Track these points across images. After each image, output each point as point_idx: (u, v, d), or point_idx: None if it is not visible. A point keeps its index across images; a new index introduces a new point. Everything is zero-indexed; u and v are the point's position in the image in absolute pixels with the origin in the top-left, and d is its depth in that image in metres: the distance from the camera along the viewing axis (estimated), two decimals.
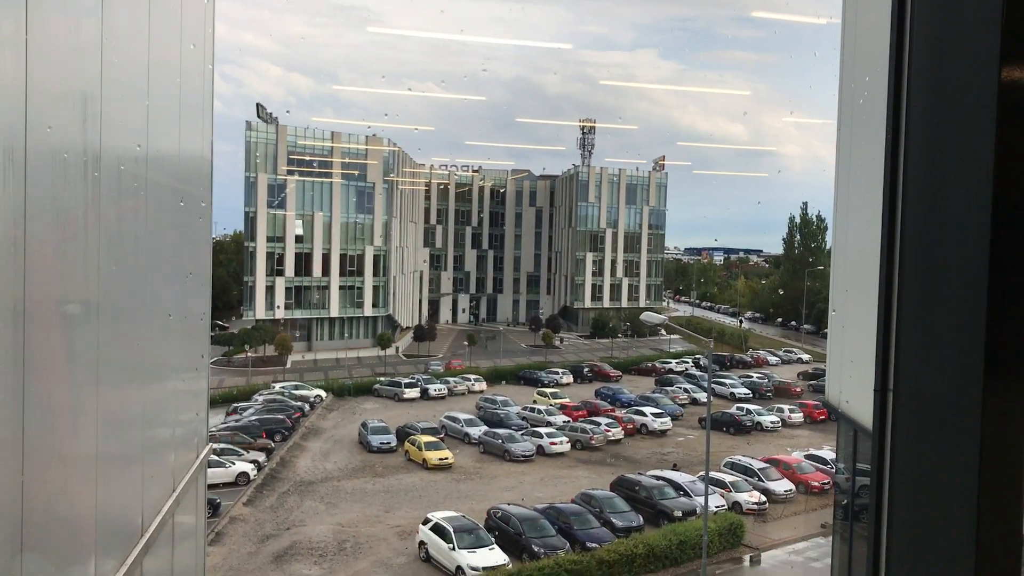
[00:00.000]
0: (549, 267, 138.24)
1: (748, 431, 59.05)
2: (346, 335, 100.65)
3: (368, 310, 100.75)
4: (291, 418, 56.83)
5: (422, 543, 33.30)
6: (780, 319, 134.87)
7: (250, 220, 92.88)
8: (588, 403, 64.77)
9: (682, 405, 67.17)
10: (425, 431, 52.49)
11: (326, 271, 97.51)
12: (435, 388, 71.85)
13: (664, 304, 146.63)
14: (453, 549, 31.48)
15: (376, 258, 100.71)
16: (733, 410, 62.36)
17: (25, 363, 3.72)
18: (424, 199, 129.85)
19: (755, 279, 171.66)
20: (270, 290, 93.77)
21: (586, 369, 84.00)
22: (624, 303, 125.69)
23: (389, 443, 51.33)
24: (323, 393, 69.08)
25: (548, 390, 70.56)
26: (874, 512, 2.53)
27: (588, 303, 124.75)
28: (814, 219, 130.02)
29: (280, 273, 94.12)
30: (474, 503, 40.19)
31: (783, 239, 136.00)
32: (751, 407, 62.99)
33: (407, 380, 72.94)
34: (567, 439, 52.66)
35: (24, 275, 3.69)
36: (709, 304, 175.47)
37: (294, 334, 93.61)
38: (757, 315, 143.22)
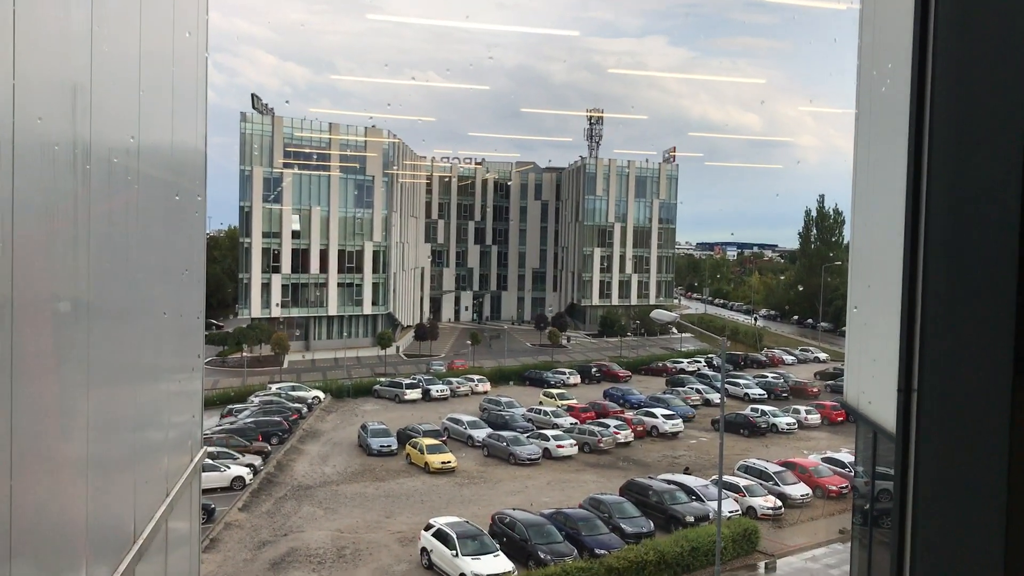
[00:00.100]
0: (555, 263, 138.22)
1: (763, 433, 59.00)
2: (345, 334, 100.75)
3: (367, 308, 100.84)
4: (288, 420, 56.91)
5: (424, 550, 33.33)
6: (796, 316, 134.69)
7: (245, 215, 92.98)
8: (596, 404, 64.74)
9: (694, 406, 67.12)
10: (427, 433, 52.54)
11: (324, 268, 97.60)
12: (437, 389, 71.87)
13: (675, 301, 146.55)
14: (456, 556, 31.50)
15: (376, 254, 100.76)
16: (747, 411, 62.28)
17: (13, 364, 3.72)
18: (425, 193, 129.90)
19: (770, 275, 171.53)
20: (266, 287, 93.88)
21: (594, 369, 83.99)
22: (633, 300, 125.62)
23: (390, 446, 51.37)
24: (321, 394, 69.14)
25: (555, 391, 70.56)
26: (897, 518, 2.51)
27: (596, 300, 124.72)
28: (831, 212, 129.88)
29: (276, 270, 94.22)
30: (478, 508, 40.22)
31: (799, 233, 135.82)
32: (766, 408, 62.90)
33: (408, 381, 72.98)
34: (574, 442, 52.66)
35: (11, 272, 3.69)
36: (722, 301, 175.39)
37: (291, 333, 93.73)
38: (772, 312, 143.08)
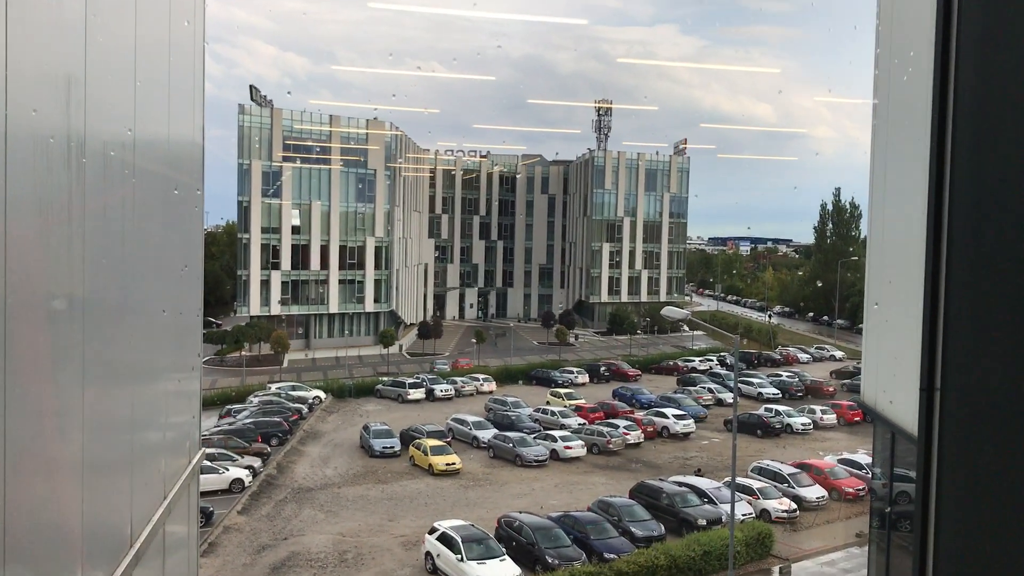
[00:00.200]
0: (563, 259, 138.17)
1: (777, 434, 58.92)
2: (346, 332, 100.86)
3: (369, 306, 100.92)
4: (288, 421, 56.99)
5: (428, 554, 33.35)
6: (811, 313, 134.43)
7: (244, 210, 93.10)
8: (605, 404, 64.71)
9: (706, 406, 67.08)
10: (431, 434, 52.55)
11: (325, 264, 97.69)
12: (441, 389, 71.92)
13: (686, 298, 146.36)
14: (461, 560, 31.52)
15: (378, 250, 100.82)
16: (761, 411, 62.20)
17: (6, 363, 3.72)
18: (429, 187, 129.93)
19: (784, 270, 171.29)
20: (265, 284, 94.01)
21: (603, 368, 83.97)
22: (643, 297, 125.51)
23: (392, 447, 51.41)
24: (322, 394, 69.23)
25: (562, 390, 70.55)
26: (920, 521, 2.50)
27: (605, 297, 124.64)
28: (848, 206, 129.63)
29: (276, 266, 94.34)
30: (483, 511, 40.24)
31: (814, 227, 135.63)
32: (780, 408, 62.82)
33: (411, 380, 73.00)
34: (583, 443, 52.66)
35: (4, 269, 3.69)
36: (735, 298, 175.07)
37: (291, 331, 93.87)
38: (786, 309, 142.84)
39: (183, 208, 8.50)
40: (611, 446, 53.19)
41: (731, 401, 57.80)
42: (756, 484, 41.90)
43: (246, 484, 43.72)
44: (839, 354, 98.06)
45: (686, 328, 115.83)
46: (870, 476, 39.22)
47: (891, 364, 8.69)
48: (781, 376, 78.56)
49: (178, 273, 8.45)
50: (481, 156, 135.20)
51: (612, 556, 32.88)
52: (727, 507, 34.81)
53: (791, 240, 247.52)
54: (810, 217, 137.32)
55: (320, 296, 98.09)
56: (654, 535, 35.78)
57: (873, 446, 10.85)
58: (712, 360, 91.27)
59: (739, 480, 39.61)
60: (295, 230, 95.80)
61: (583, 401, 65.85)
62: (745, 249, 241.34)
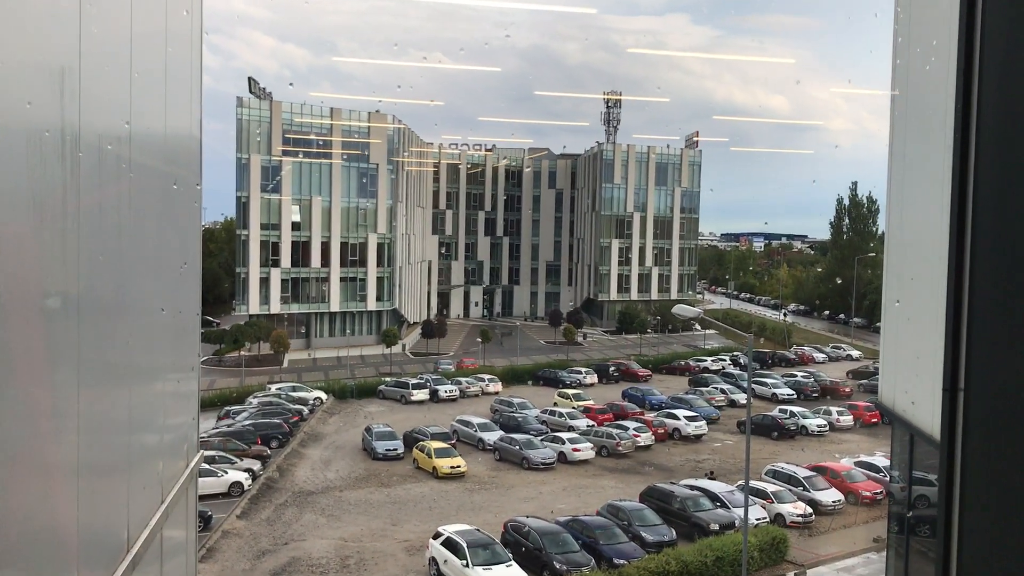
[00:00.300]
0: (571, 255, 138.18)
1: (792, 436, 58.86)
2: (348, 331, 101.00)
3: (372, 304, 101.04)
4: (288, 422, 57.09)
5: (432, 559, 33.37)
6: (827, 311, 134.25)
7: (242, 206, 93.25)
8: (614, 405, 64.74)
9: (719, 407, 67.05)
10: (435, 436, 52.59)
11: (326, 261, 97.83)
12: (446, 389, 71.99)
13: (698, 296, 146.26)
14: (467, 566, 31.53)
15: (380, 247, 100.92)
16: (775, 413, 62.15)
17: None
18: (433, 181, 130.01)
19: (799, 267, 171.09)
20: (265, 282, 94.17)
21: (612, 368, 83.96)
22: (654, 295, 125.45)
23: (396, 450, 51.48)
24: (323, 395, 69.36)
25: (570, 391, 70.56)
26: (943, 528, 2.49)
27: (614, 295, 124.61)
28: (865, 200, 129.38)
29: (275, 264, 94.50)
30: (489, 515, 40.27)
31: (830, 223, 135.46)
32: (795, 409, 62.77)
33: (415, 381, 73.13)
34: (591, 445, 52.65)
35: None
36: (748, 295, 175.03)
37: (291, 331, 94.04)
38: (802, 307, 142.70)
39: (181, 204, 8.51)
40: (621, 448, 53.17)
41: (744, 402, 57.69)
42: (770, 487, 41.85)
43: (245, 487, 43.81)
44: (856, 353, 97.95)
45: (698, 327, 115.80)
46: (888, 479, 39.15)
47: (913, 364, 8.66)
48: (796, 376, 78.48)
49: (177, 271, 8.46)
50: (486, 150, 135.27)
51: (622, 562, 32.87)
52: (740, 511, 34.78)
53: (806, 236, 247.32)
54: (826, 212, 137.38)
55: (321, 294, 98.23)
56: (665, 540, 35.74)
57: (891, 448, 10.83)
58: (725, 360, 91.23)
59: (753, 483, 39.55)
60: (295, 226, 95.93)
61: (592, 402, 65.83)
62: (759, 245, 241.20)
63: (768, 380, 75.09)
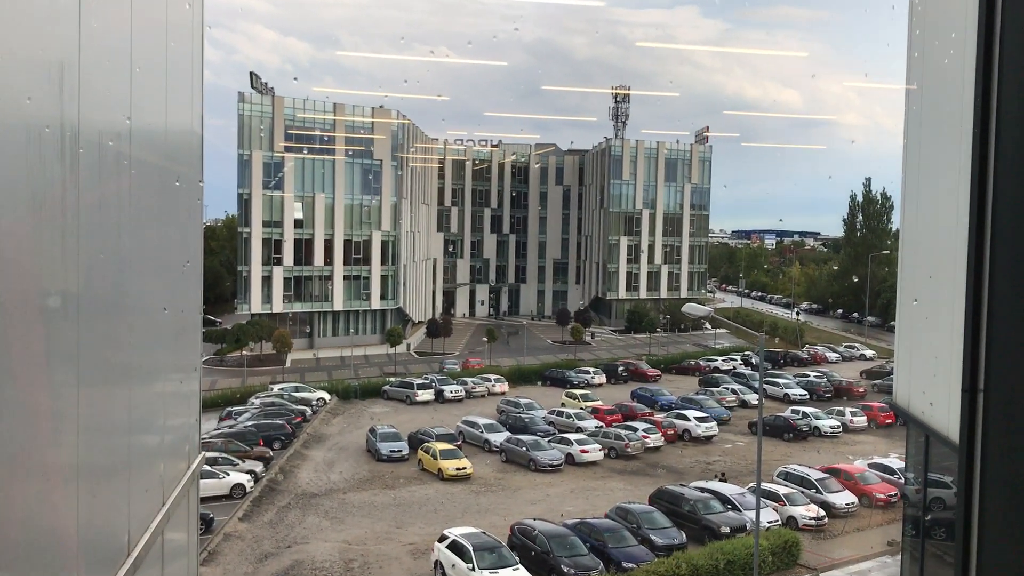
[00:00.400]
0: (578, 253, 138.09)
1: (804, 437, 58.75)
2: (351, 331, 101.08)
3: (376, 303, 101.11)
4: (291, 423, 57.16)
5: (438, 563, 33.40)
6: (840, 310, 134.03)
7: (244, 203, 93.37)
8: (623, 406, 64.65)
9: (730, 408, 66.95)
10: (440, 438, 52.59)
11: (329, 259, 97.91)
12: (451, 390, 72.00)
13: (709, 294, 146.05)
14: (473, 569, 31.55)
15: (384, 244, 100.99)
16: (787, 413, 62.05)
17: None
18: (438, 178, 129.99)
19: (812, 265, 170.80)
20: (267, 281, 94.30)
21: (621, 368, 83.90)
22: (663, 293, 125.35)
23: (400, 451, 51.51)
24: (326, 395, 69.43)
25: (578, 391, 70.55)
26: (961, 530, 2.48)
27: (622, 293, 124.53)
28: (878, 197, 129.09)
29: (278, 262, 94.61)
30: (496, 518, 40.28)
31: (843, 220, 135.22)
32: (808, 410, 62.66)
33: (420, 381, 73.14)
34: (600, 447, 52.62)
35: None
36: (760, 294, 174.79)
37: (294, 330, 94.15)
38: (814, 306, 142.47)
39: (183, 201, 8.52)
40: (629, 450, 53.13)
41: (756, 403, 57.60)
42: (782, 490, 41.80)
43: (247, 489, 43.89)
44: (870, 353, 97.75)
45: (708, 326, 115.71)
46: (903, 481, 39.06)
47: (931, 364, 8.62)
48: (809, 376, 78.34)
49: (179, 269, 8.48)
50: (492, 146, 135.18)
51: (631, 565, 32.86)
52: (752, 514, 34.72)
53: (819, 233, 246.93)
54: (839, 208, 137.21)
55: (324, 293, 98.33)
56: (675, 543, 35.70)
57: (906, 450, 10.81)
58: (736, 359, 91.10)
59: (764, 485, 39.50)
60: (298, 224, 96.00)
61: (600, 403, 65.78)
62: (770, 242, 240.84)
63: (780, 380, 74.96)
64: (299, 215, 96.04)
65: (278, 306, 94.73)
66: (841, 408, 64.22)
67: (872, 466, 47.26)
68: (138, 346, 6.69)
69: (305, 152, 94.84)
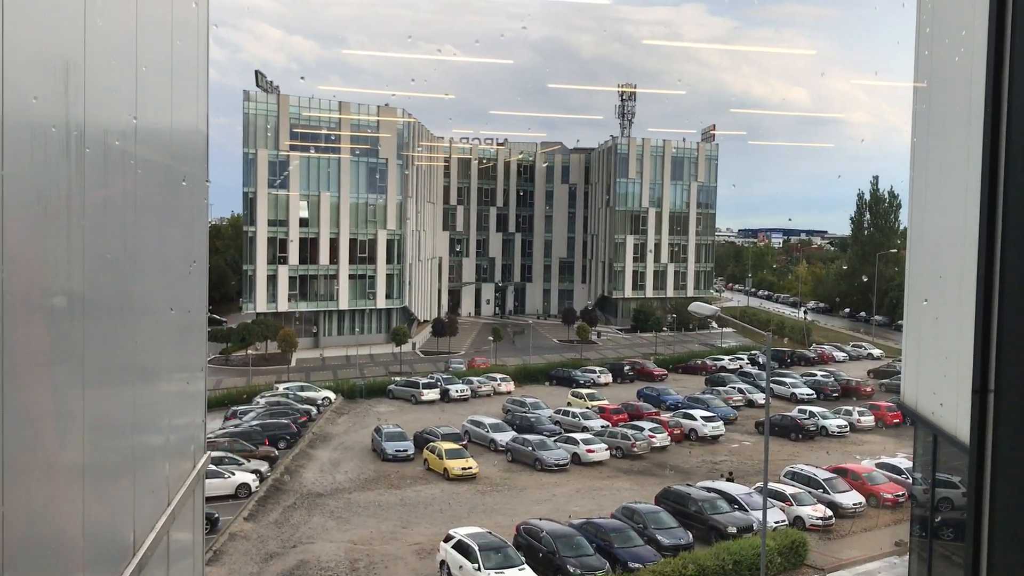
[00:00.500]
0: (584, 252, 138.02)
1: (812, 436, 58.67)
2: (357, 330, 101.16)
3: (381, 302, 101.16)
4: (297, 423, 57.22)
5: (443, 563, 33.42)
6: (847, 309, 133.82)
7: (249, 202, 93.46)
8: (629, 405, 64.63)
9: (736, 408, 66.88)
10: (446, 437, 52.63)
11: (334, 258, 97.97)
12: (457, 389, 72.02)
13: (715, 293, 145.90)
14: (479, 569, 31.56)
15: (390, 243, 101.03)
16: (794, 413, 61.99)
17: (3, 364, 3.74)
18: (443, 176, 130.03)
19: (819, 264, 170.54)
20: (272, 280, 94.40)
21: (627, 367, 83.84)
22: (670, 292, 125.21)
23: (406, 451, 51.54)
24: (332, 395, 69.48)
25: (584, 391, 70.50)
26: (972, 532, 2.47)
27: (629, 292, 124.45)
28: (886, 195, 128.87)
29: (283, 261, 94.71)
30: (501, 518, 40.29)
31: (851, 218, 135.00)
32: (815, 409, 62.56)
33: (425, 380, 73.15)
34: (606, 446, 52.60)
35: (1, 265, 3.70)
36: (766, 293, 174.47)
37: (299, 329, 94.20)
38: (821, 305, 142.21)
39: (189, 200, 8.53)
40: (636, 450, 53.11)
41: (763, 402, 57.55)
42: (789, 490, 41.75)
43: (253, 489, 43.93)
44: (877, 352, 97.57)
45: (715, 325, 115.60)
46: (911, 481, 39.01)
47: (940, 364, 8.59)
48: (816, 376, 78.28)
49: (185, 269, 8.49)
50: (498, 144, 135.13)
51: (637, 565, 32.85)
52: (759, 514, 34.68)
53: (826, 231, 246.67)
54: (846, 207, 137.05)
55: (329, 292, 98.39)
56: (681, 543, 35.69)
57: (914, 449, 10.80)
58: (742, 359, 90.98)
59: (771, 485, 39.45)
60: (303, 223, 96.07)
61: (606, 402, 65.77)
62: (777, 241, 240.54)
63: (787, 380, 74.86)
64: (304, 214, 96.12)
65: (283, 305, 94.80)
66: (848, 408, 64.12)
67: (880, 466, 47.18)
68: (143, 346, 6.70)
69: (311, 151, 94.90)
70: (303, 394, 67.41)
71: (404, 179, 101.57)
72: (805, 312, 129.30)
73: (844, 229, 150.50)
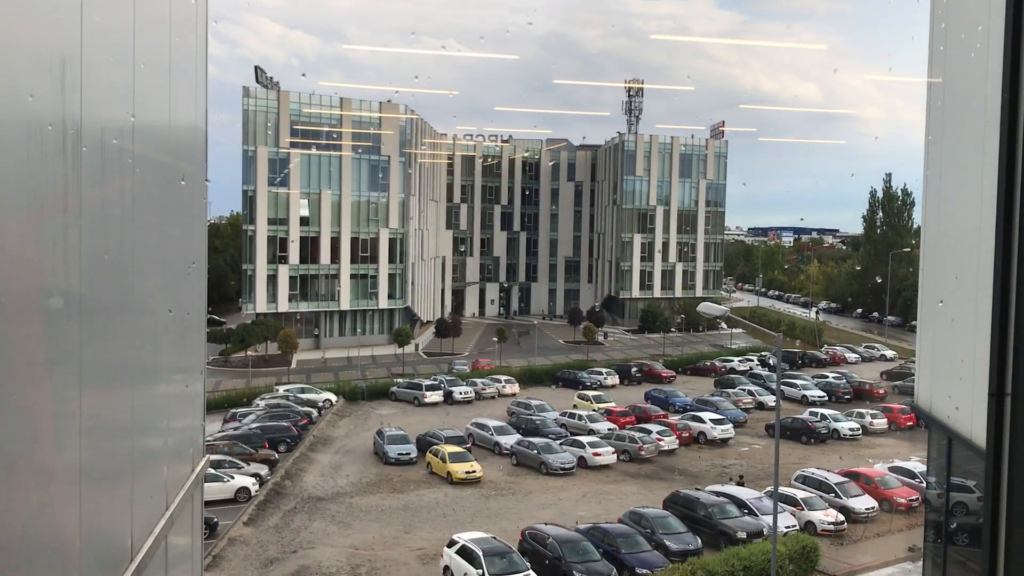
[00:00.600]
0: (591, 251, 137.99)
1: (823, 440, 58.59)
2: (358, 330, 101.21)
3: (383, 302, 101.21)
4: (297, 425, 57.25)
5: (447, 568, 33.45)
6: (860, 309, 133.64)
7: (249, 200, 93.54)
8: (637, 408, 64.63)
9: (746, 410, 66.80)
10: (449, 440, 52.66)
11: (335, 257, 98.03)
12: (460, 391, 72.05)
13: (725, 293, 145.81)
14: (483, 575, 31.60)
15: (392, 242, 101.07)
16: (806, 415, 61.88)
17: None
18: (447, 174, 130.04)
19: (831, 263, 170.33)
20: (272, 280, 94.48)
21: (634, 369, 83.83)
22: (678, 292, 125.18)
23: (408, 454, 51.57)
24: (333, 397, 69.51)
25: (590, 393, 70.53)
26: (988, 536, 2.46)
27: (636, 292, 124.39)
28: (899, 193, 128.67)
29: (283, 260, 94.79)
30: (506, 522, 40.31)
31: (863, 216, 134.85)
32: (826, 412, 62.49)
33: (428, 382, 73.22)
34: (613, 449, 52.59)
35: None
36: (777, 293, 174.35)
37: (299, 330, 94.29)
38: (833, 305, 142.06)
39: (187, 199, 8.53)
40: (643, 453, 53.08)
41: (773, 404, 57.51)
42: (800, 494, 41.70)
43: (252, 493, 43.98)
44: (890, 353, 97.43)
45: (724, 326, 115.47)
46: (924, 485, 38.94)
47: (956, 367, 8.58)
48: (827, 377, 78.21)
49: (184, 269, 8.50)
50: (503, 141, 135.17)
51: (645, 571, 32.86)
52: (769, 519, 34.63)
53: (838, 230, 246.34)
54: (858, 205, 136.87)
55: (330, 292, 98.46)
56: (690, 549, 35.68)
57: (928, 453, 10.77)
58: (752, 360, 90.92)
59: (782, 490, 39.42)
60: (304, 221, 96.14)
61: (613, 404, 65.78)
62: (788, 240, 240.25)
63: (798, 381, 74.79)
64: (305, 212, 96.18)
65: (283, 305, 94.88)
66: (861, 410, 64.04)
67: (892, 469, 47.11)
68: (141, 347, 6.71)
69: (312, 148, 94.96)
70: (304, 396, 67.47)
71: (407, 177, 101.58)
72: (816, 312, 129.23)
73: (856, 228, 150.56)
